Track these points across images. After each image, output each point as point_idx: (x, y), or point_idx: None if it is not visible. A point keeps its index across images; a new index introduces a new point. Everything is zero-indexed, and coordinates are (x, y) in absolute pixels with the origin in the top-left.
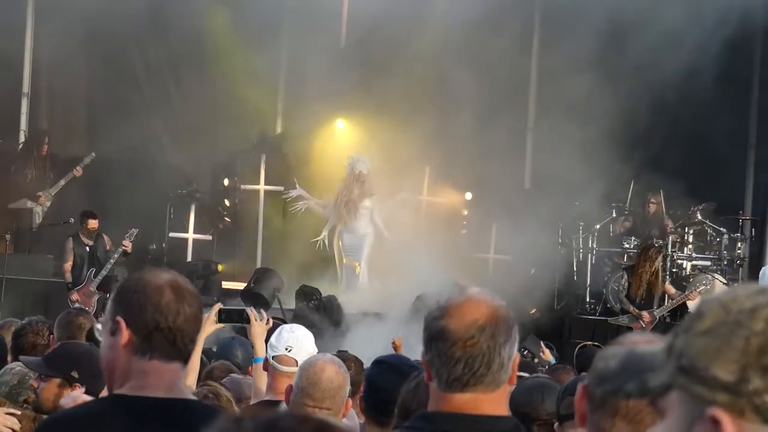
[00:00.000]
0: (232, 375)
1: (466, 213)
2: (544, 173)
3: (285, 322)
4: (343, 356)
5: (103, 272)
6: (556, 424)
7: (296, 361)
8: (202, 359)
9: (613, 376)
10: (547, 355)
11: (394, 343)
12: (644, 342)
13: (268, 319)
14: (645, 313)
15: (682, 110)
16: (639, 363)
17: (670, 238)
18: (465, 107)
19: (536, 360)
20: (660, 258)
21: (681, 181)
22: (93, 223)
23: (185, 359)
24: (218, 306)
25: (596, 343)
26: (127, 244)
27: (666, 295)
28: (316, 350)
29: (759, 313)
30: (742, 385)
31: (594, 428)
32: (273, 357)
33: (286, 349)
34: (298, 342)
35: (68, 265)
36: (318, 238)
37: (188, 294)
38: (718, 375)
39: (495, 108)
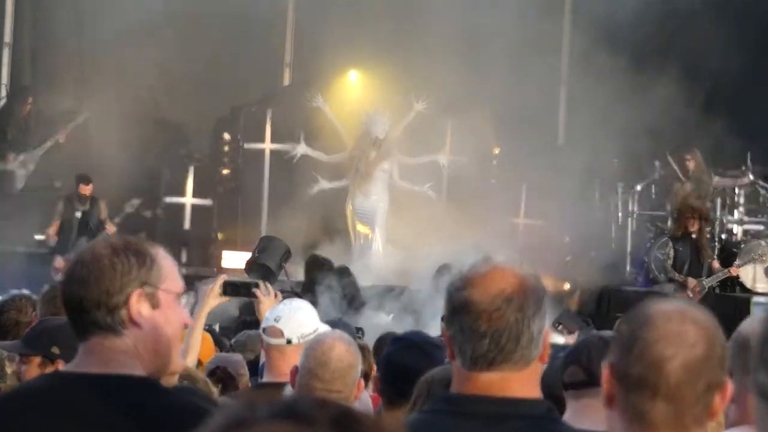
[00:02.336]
0: (219, 354)
1: (492, 172)
2: (579, 128)
3: (298, 296)
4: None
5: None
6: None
7: (282, 331)
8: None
9: None
10: None
11: None
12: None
13: (275, 293)
14: (692, 280)
15: (727, 63)
16: None
17: (718, 200)
18: (492, 58)
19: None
20: (700, 220)
21: (729, 138)
22: (85, 189)
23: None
24: (223, 278)
25: None
26: (111, 229)
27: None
28: (310, 324)
29: None
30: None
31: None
32: (263, 330)
33: (275, 319)
34: (289, 312)
35: (52, 229)
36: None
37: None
38: None
39: (525, 59)
